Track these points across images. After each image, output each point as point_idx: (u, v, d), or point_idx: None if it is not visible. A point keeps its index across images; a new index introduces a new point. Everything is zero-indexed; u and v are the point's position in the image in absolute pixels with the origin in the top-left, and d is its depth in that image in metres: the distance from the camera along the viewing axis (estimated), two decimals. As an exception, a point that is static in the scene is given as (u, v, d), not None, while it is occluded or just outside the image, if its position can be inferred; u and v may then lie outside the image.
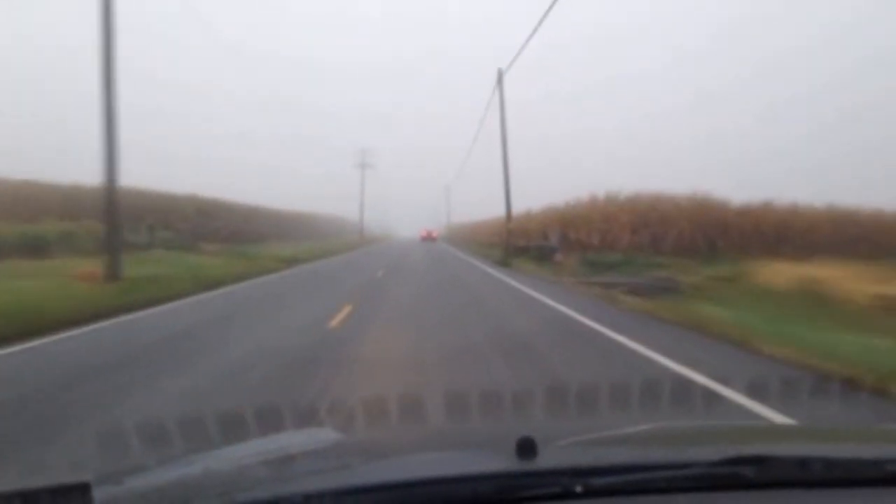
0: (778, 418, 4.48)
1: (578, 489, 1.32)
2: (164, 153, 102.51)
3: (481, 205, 74.42)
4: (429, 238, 70.86)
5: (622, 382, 5.28)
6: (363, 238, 74.85)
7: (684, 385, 5.67)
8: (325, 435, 2.50)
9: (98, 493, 1.25)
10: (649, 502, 1.34)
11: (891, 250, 22.86)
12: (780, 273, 17.02)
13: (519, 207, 36.98)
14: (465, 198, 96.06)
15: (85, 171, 34.64)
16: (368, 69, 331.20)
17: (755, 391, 5.07)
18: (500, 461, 1.47)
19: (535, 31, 21.30)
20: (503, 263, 26.93)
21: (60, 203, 31.63)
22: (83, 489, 1.24)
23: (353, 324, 9.54)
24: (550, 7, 18.11)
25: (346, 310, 10.98)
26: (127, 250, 18.95)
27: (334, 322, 9.64)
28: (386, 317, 10.61)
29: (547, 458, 1.44)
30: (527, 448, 1.42)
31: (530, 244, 31.12)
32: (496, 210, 56.09)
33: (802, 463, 1.42)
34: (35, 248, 23.41)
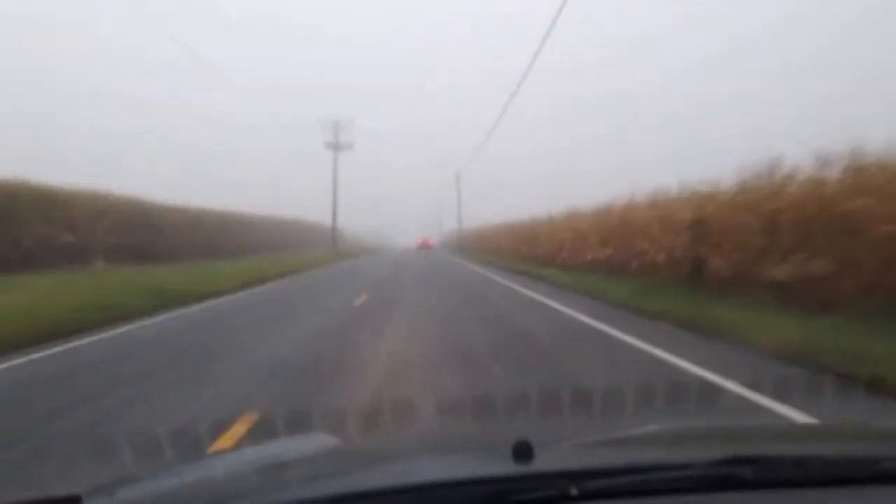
0: None
1: (574, 492, 1.30)
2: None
3: (494, 210, 56.52)
4: (425, 246, 73.62)
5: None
6: (336, 250, 51.81)
7: None
8: (319, 441, 2.31)
9: None
10: None
11: None
12: None
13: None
14: (476, 200, 77.02)
15: None
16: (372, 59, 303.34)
17: None
18: (496, 465, 1.45)
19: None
20: None
21: None
22: (74, 502, 1.28)
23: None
24: None
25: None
26: None
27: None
28: None
29: (543, 461, 1.42)
30: (523, 451, 1.40)
31: None
32: (521, 213, 34.96)
33: (799, 462, 1.41)
34: None
